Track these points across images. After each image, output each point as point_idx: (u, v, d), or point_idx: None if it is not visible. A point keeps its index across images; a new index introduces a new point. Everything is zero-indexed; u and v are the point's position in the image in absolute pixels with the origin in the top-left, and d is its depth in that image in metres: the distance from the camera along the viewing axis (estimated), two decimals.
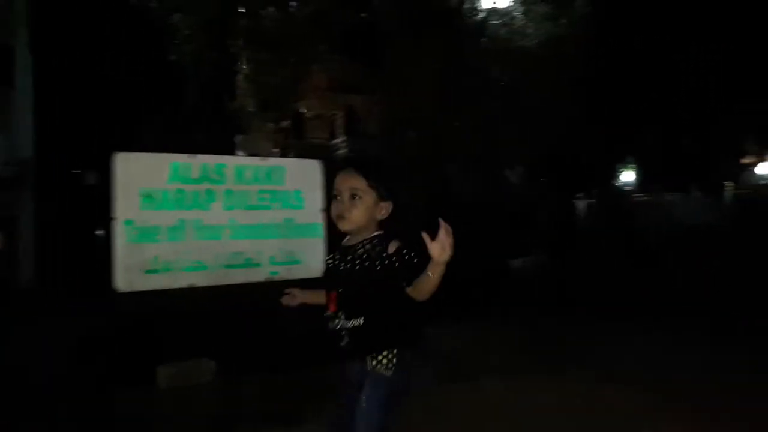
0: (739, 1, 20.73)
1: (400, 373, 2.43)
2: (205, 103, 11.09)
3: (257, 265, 5.35)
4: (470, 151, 10.77)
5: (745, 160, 27.19)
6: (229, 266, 5.23)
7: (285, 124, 23.32)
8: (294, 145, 25.39)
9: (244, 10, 10.87)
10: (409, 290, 2.34)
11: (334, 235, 5.62)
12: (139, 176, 4.83)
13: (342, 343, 2.48)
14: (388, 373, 2.43)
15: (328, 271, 2.55)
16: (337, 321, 2.48)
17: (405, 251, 2.35)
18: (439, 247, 2.20)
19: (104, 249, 5.17)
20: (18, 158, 15.44)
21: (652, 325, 7.38)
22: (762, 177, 25.99)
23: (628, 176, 21.40)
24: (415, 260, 2.32)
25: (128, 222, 4.76)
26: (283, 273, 5.46)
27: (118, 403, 4.97)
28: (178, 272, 4.98)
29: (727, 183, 20.54)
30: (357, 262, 2.43)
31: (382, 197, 2.46)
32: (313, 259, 5.56)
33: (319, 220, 5.64)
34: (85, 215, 13.22)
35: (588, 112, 12.34)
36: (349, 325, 2.44)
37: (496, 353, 6.17)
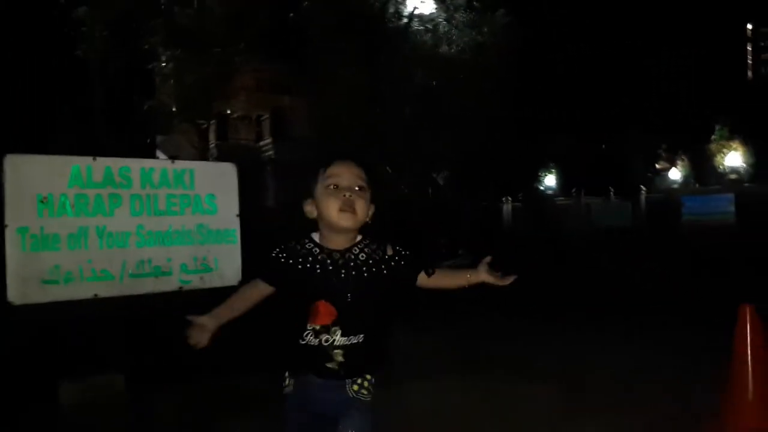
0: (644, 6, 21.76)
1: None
2: (115, 103, 10.59)
3: (167, 273, 5.09)
4: (394, 154, 10.80)
5: (659, 166, 28.66)
6: (137, 275, 4.95)
7: (209, 125, 22.71)
8: (219, 147, 24.78)
9: (162, 6, 10.48)
10: (430, 278, 2.20)
11: (250, 241, 5.48)
12: (34, 180, 4.49)
13: (329, 364, 2.07)
14: (370, 398, 2.15)
15: (314, 276, 2.08)
16: (327, 337, 2.06)
17: (401, 249, 2.19)
18: (495, 279, 2.18)
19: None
20: None
21: (571, 324, 7.59)
22: (673, 182, 27.46)
23: (550, 180, 22.13)
24: (412, 257, 2.19)
25: (22, 230, 4.42)
26: (196, 282, 5.23)
27: (19, 422, 4.61)
28: (81, 282, 4.67)
29: (642, 187, 21.56)
30: (364, 268, 2.09)
31: (371, 199, 2.17)
32: (228, 267, 5.36)
33: (234, 225, 5.45)
34: None
35: (509, 118, 12.64)
36: (347, 342, 2.07)
37: (419, 357, 6.14)
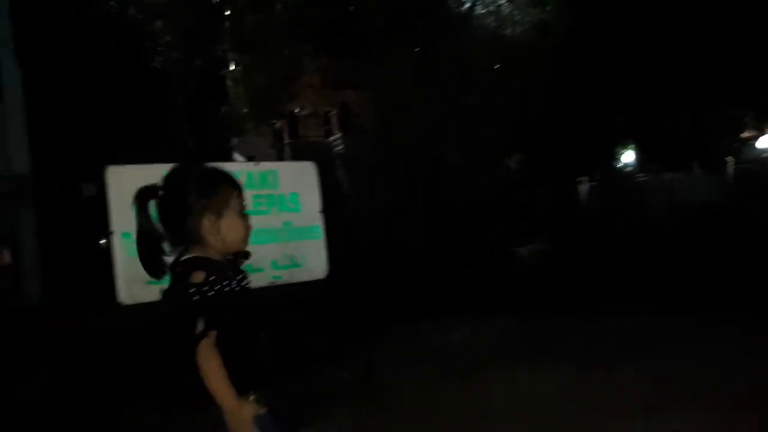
0: None
1: None
2: (194, 109, 11.07)
3: (259, 270, 5.29)
4: (463, 141, 10.73)
5: (745, 135, 27.06)
6: None
7: (280, 124, 23.26)
8: (291, 145, 25.32)
9: (227, 14, 10.83)
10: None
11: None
12: (132, 188, 4.75)
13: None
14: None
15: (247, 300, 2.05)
16: None
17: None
18: None
19: (103, 261, 5.13)
20: (14, 173, 15.42)
21: (655, 318, 6.94)
22: (763, 150, 25.89)
23: (628, 157, 21.23)
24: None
25: (126, 235, 4.70)
26: (286, 276, 5.42)
27: (128, 417, 4.94)
28: None
29: (728, 159, 20.46)
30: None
31: None
32: (314, 262, 5.53)
33: (317, 221, 5.60)
34: (85, 226, 13.21)
35: (584, 95, 12.27)
36: None
37: (496, 346, 6.12)
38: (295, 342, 5.40)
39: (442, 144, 10.71)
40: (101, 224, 5.01)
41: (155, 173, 4.85)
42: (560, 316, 7.27)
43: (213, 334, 1.87)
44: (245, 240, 2.14)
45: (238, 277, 2.03)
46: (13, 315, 11.62)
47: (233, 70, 13.18)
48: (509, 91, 10.98)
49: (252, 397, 1.93)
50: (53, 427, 4.85)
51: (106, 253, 4.98)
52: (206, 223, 1.94)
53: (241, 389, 1.90)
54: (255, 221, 5.20)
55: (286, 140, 25.97)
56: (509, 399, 4.69)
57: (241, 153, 17.06)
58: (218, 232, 1.97)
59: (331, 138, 27.90)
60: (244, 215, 2.16)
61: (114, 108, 12.77)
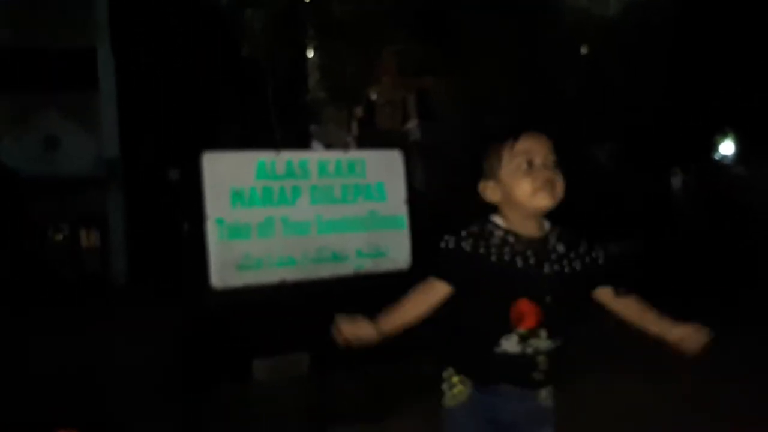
0: None
1: None
2: (280, 96, 11.26)
3: (344, 258, 5.32)
4: (551, 129, 10.39)
5: None
6: (317, 261, 5.23)
7: (357, 111, 23.38)
8: (367, 133, 25.41)
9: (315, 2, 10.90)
10: (616, 299, 1.83)
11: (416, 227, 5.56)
12: (227, 175, 4.88)
13: (534, 374, 1.78)
14: (552, 403, 1.89)
15: (514, 270, 1.74)
16: (533, 341, 1.74)
17: (597, 246, 1.84)
18: (689, 348, 1.83)
19: (193, 245, 5.28)
20: (105, 158, 16.23)
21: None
22: None
23: (727, 148, 19.86)
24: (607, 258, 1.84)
25: (220, 221, 4.83)
26: (370, 266, 5.42)
27: (216, 397, 5.07)
28: (269, 268, 5.02)
29: None
30: (564, 261, 1.77)
31: None
32: (398, 252, 5.50)
33: (402, 211, 5.56)
34: (172, 211, 13.73)
35: (679, 80, 11.61)
36: (551, 347, 1.76)
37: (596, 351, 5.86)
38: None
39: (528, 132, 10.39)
40: (188, 209, 5.15)
41: (249, 159, 5.00)
42: None
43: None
44: None
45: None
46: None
47: (313, 57, 13.28)
48: (605, 76, 10.52)
49: (455, 379, 1.87)
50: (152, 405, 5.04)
51: (193, 237, 5.13)
52: None
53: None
54: (341, 210, 5.32)
55: (362, 128, 26.11)
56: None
57: (320, 141, 17.34)
58: None
59: (407, 125, 27.81)
60: None
61: (203, 95, 13.21)
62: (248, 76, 12.22)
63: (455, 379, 1.86)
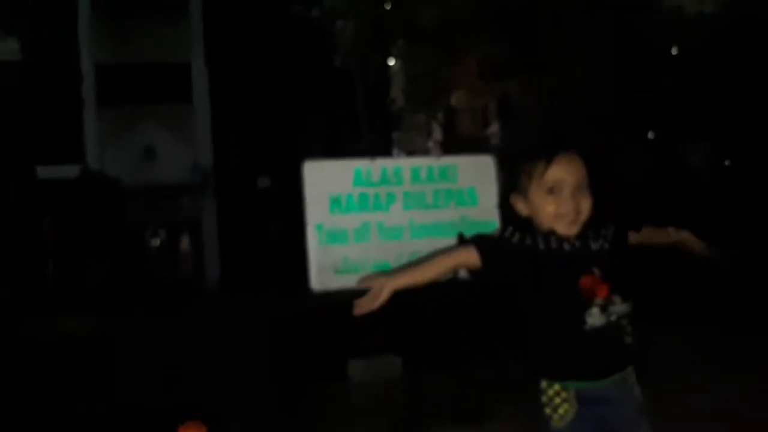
0: None
1: None
2: (369, 105, 11.51)
3: (436, 280, 5.39)
4: (642, 131, 10.08)
5: None
6: None
7: (439, 117, 23.45)
8: (448, 139, 25.39)
9: (404, 10, 10.99)
10: (638, 235, 2.05)
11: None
12: (326, 182, 5.10)
13: (626, 338, 1.82)
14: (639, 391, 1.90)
15: (566, 255, 1.83)
16: (611, 308, 1.79)
17: (609, 222, 2.01)
18: (695, 243, 2.18)
19: (292, 249, 5.53)
20: (200, 166, 17.09)
21: None
22: None
23: None
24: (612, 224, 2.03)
25: (319, 226, 5.05)
26: (462, 272, 5.46)
27: (313, 395, 5.26)
28: (366, 272, 5.15)
29: None
30: (601, 240, 1.88)
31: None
32: None
33: (494, 216, 5.60)
34: (264, 217, 14.27)
35: None
36: (629, 309, 1.83)
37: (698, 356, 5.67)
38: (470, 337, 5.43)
39: (616, 135, 10.14)
40: (285, 214, 5.40)
41: (346, 167, 5.21)
42: None
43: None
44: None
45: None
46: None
47: (397, 64, 13.47)
48: (698, 71, 10.08)
49: (556, 387, 1.82)
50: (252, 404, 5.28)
51: (292, 241, 5.38)
52: None
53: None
54: (433, 215, 5.43)
55: (444, 133, 26.12)
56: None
57: (401, 148, 17.51)
58: None
59: (488, 130, 27.60)
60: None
61: (291, 105, 13.70)
62: (338, 85, 12.59)
63: (558, 399, 1.80)
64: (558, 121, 11.20)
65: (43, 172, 14.47)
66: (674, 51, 10.94)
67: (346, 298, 5.05)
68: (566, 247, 1.81)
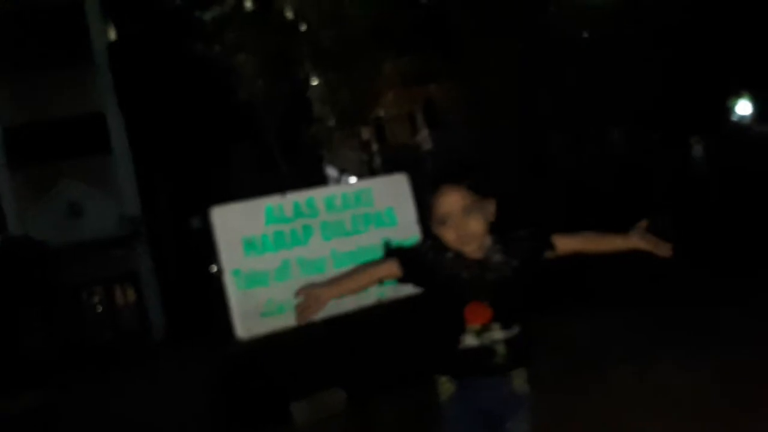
0: None
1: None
2: (285, 132, 11.40)
3: (365, 290, 5.31)
4: (563, 119, 10.26)
5: None
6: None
7: (366, 131, 23.47)
8: (380, 151, 25.46)
9: (303, 31, 10.99)
10: (564, 246, 2.20)
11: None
12: (237, 225, 4.94)
13: (496, 359, 2.10)
14: (528, 389, 2.18)
15: (462, 280, 2.09)
16: (488, 334, 2.08)
17: (523, 232, 2.21)
18: (651, 247, 2.18)
19: (217, 297, 5.34)
20: (128, 216, 16.55)
21: None
22: None
23: (743, 109, 18.91)
24: (533, 231, 2.21)
25: (236, 272, 4.88)
26: (390, 292, 5.41)
27: None
28: (293, 311, 5.01)
29: None
30: (504, 268, 2.12)
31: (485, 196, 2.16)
32: None
33: (415, 232, 5.55)
34: (196, 260, 13.95)
35: (690, 51, 11.33)
36: (508, 335, 2.10)
37: (627, 340, 5.77)
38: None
39: (540, 127, 10.29)
40: (207, 261, 5.21)
41: (256, 207, 5.06)
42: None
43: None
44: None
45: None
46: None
47: (314, 86, 13.42)
48: (607, 58, 10.38)
49: (443, 379, 2.17)
50: None
51: (216, 289, 5.19)
52: None
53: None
54: (354, 241, 5.34)
55: (375, 146, 26.17)
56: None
57: (334, 167, 17.41)
58: None
59: (418, 137, 27.81)
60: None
61: (209, 143, 13.44)
62: (250, 119, 12.42)
63: (443, 378, 2.19)
64: (481, 121, 11.31)
65: None
66: (584, 35, 11.23)
67: (277, 340, 4.89)
68: (465, 275, 2.10)
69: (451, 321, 2.10)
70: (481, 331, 2.08)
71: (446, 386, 2.18)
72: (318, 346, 5.28)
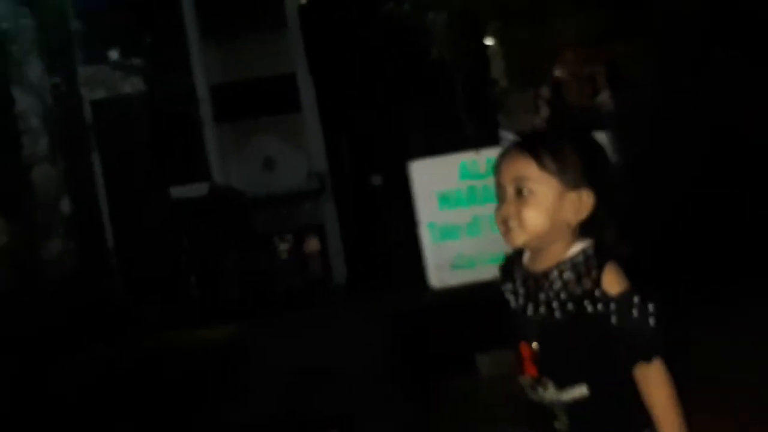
0: None
1: None
2: (469, 93, 11.38)
3: None
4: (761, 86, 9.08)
5: None
6: None
7: (544, 92, 22.73)
8: (558, 112, 24.53)
9: None
10: (639, 374, 1.36)
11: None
12: (433, 180, 5.12)
13: (556, 423, 1.46)
14: None
15: (512, 311, 1.52)
16: (541, 391, 1.44)
17: (636, 299, 1.34)
18: None
19: (408, 248, 5.58)
20: (315, 172, 17.73)
21: None
22: None
23: None
24: (652, 322, 1.33)
25: (431, 225, 5.08)
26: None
27: (442, 392, 5.28)
28: (481, 266, 5.14)
29: None
30: (555, 304, 1.41)
31: (569, 184, 1.40)
32: None
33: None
34: (381, 217, 14.54)
35: None
36: (564, 399, 1.43)
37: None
38: None
39: (734, 96, 9.21)
40: (393, 212, 5.44)
41: (452, 163, 5.20)
42: None
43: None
44: None
45: None
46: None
47: (499, 45, 13.24)
48: None
49: None
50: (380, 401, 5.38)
51: (408, 241, 5.43)
52: None
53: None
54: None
55: (551, 108, 25.28)
56: None
57: (509, 129, 17.09)
58: None
59: (599, 98, 26.32)
60: None
61: (396, 101, 13.84)
62: (437, 79, 12.55)
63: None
64: (666, 81, 10.45)
65: (175, 192, 15.62)
66: None
67: (467, 292, 5.05)
68: (512, 302, 1.48)
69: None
70: (534, 385, 1.45)
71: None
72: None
